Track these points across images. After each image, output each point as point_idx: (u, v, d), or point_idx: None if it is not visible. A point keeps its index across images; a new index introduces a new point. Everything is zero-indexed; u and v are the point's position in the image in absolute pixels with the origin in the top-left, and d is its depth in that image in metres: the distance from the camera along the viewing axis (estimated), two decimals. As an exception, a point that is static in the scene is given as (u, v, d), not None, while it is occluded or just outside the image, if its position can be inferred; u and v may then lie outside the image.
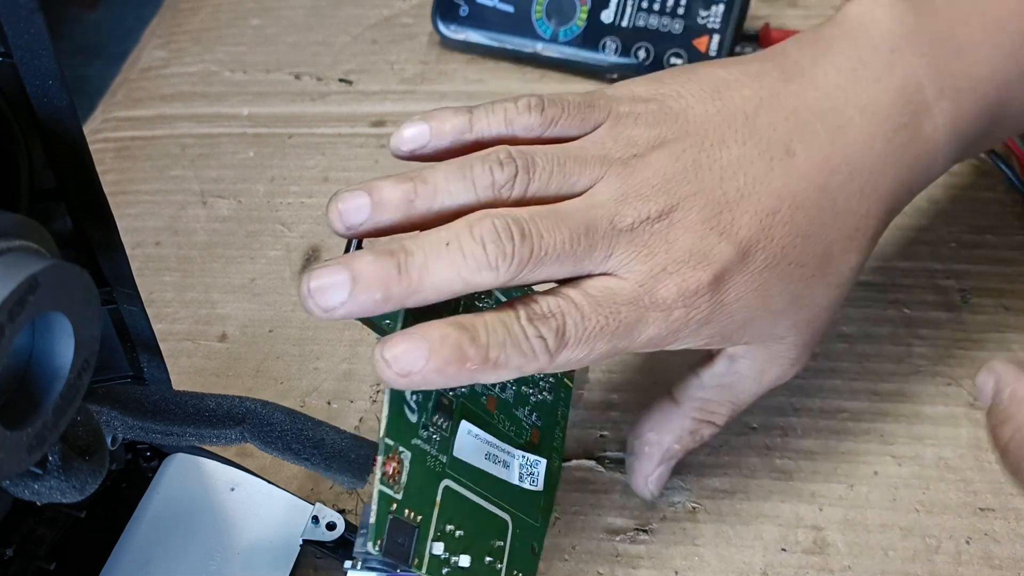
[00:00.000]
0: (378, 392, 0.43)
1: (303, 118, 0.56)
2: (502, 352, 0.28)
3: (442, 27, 0.57)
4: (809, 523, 0.36)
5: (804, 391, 0.41)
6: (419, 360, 0.27)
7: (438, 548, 0.30)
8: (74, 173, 0.27)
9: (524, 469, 0.34)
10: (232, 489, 0.38)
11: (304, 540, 0.36)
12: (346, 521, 0.37)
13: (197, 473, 0.38)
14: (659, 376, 0.42)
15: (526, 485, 0.34)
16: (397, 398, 0.29)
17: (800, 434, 0.39)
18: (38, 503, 0.25)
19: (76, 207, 0.28)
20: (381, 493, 0.28)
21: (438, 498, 0.30)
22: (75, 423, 0.26)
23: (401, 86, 0.57)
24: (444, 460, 0.31)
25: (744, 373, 0.34)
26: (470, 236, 0.28)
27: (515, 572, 0.33)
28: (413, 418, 0.30)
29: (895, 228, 0.46)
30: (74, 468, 0.25)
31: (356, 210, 0.29)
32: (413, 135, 0.31)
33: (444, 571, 0.30)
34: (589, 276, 0.29)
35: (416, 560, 0.29)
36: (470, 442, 0.32)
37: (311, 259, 0.49)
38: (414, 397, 0.30)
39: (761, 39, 0.54)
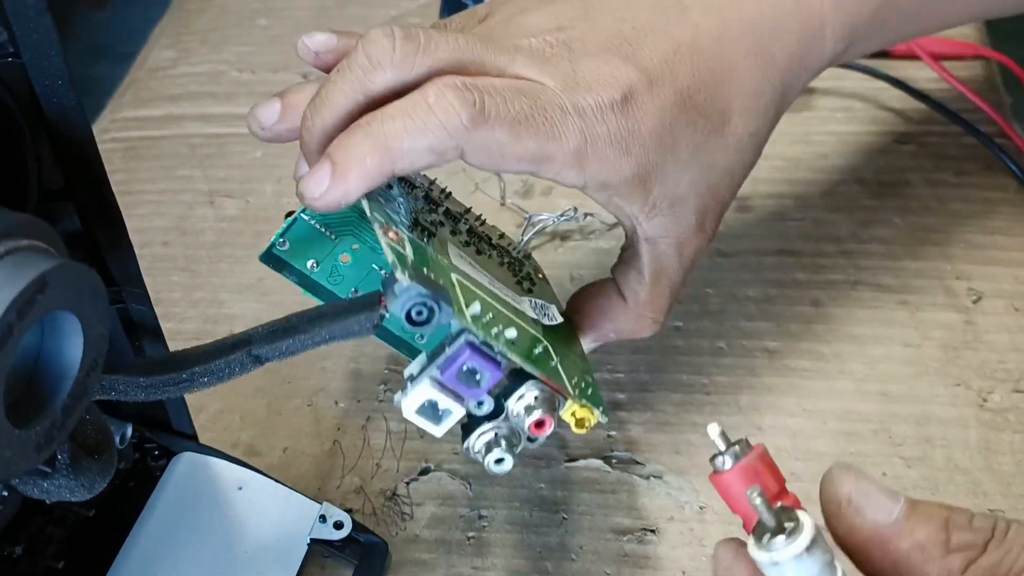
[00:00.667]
0: (386, 392, 0.43)
1: (311, 118, 0.56)
2: (404, 136, 0.28)
3: (450, 27, 0.57)
4: (819, 524, 0.36)
5: (813, 393, 0.40)
6: (324, 180, 0.28)
7: (475, 309, 0.29)
8: (82, 173, 0.27)
9: (536, 308, 0.34)
10: (240, 488, 0.38)
11: (312, 539, 0.36)
12: (353, 520, 0.37)
13: (205, 472, 0.38)
14: (665, 377, 0.42)
15: (545, 321, 0.33)
16: (371, 202, 0.29)
17: (809, 435, 0.39)
18: (47, 502, 0.25)
19: (84, 207, 0.28)
20: (391, 247, 0.28)
21: (454, 280, 0.30)
22: (84, 422, 0.26)
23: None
24: (444, 261, 0.31)
25: (666, 251, 0.34)
26: (354, 52, 0.29)
27: (574, 374, 0.31)
28: (404, 220, 0.31)
29: (905, 228, 0.46)
30: (83, 467, 0.25)
31: (268, 112, 0.31)
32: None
33: (493, 332, 0.29)
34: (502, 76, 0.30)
35: (455, 309, 0.28)
36: (468, 265, 0.32)
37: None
38: (394, 206, 0.31)
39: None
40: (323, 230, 0.34)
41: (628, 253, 0.35)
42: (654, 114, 0.31)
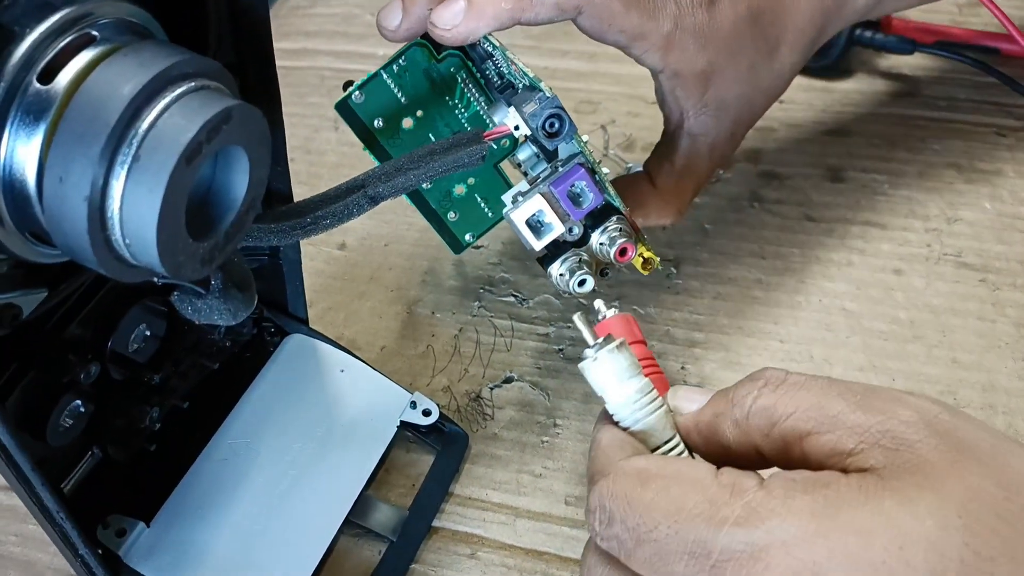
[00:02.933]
0: (479, 308, 0.46)
1: (434, 62, 0.60)
2: None
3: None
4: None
5: (885, 352, 0.42)
6: (459, 13, 0.32)
7: (584, 136, 0.34)
8: (254, 49, 0.31)
9: None
10: (342, 371, 0.42)
11: (402, 422, 0.40)
12: (440, 412, 0.40)
13: (312, 353, 0.42)
14: (742, 323, 0.44)
15: None
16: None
17: (875, 389, 0.41)
18: (197, 322, 0.29)
19: (250, 82, 0.32)
20: (524, 71, 0.33)
21: None
22: (232, 263, 0.30)
23: (527, 41, 0.60)
24: None
25: (701, 151, 0.38)
26: None
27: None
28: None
29: (994, 214, 0.47)
30: (231, 295, 0.29)
31: (392, 15, 0.35)
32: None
33: (597, 163, 0.34)
34: None
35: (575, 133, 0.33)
36: None
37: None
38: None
39: (882, 26, 0.55)
40: (396, 91, 0.37)
41: (664, 147, 0.39)
42: (731, 20, 0.35)
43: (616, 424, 0.29)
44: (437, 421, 0.40)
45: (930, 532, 0.21)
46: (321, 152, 0.55)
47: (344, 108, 0.37)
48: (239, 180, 0.27)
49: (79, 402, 0.32)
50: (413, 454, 0.41)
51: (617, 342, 0.28)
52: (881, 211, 0.48)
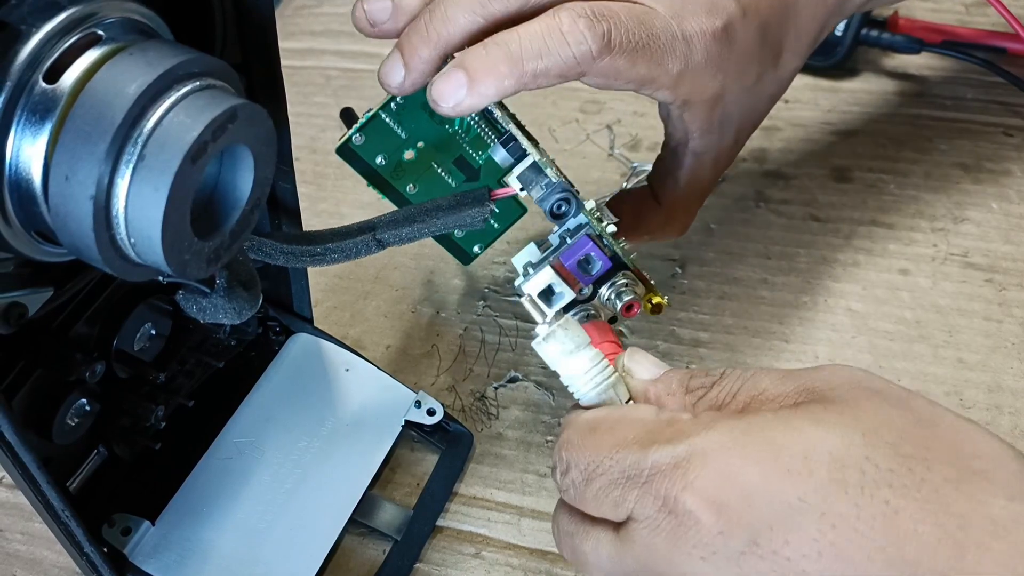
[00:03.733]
0: (484, 307, 0.46)
1: (439, 61, 0.60)
2: (539, 61, 0.30)
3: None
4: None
5: (891, 352, 0.42)
6: (461, 90, 0.30)
7: (591, 204, 0.34)
8: (260, 49, 0.31)
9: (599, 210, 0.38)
10: (347, 369, 0.42)
11: (407, 421, 0.40)
12: (445, 411, 0.40)
13: (317, 352, 0.42)
14: (747, 323, 0.44)
15: (604, 221, 0.37)
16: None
17: (881, 389, 0.41)
18: (202, 320, 0.29)
19: (256, 81, 0.32)
20: (531, 147, 0.33)
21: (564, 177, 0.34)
22: (238, 261, 0.30)
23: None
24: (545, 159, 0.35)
25: (705, 166, 0.37)
26: None
27: (644, 270, 0.36)
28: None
29: (1001, 213, 0.47)
30: (236, 294, 0.29)
31: (379, 10, 0.33)
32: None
33: (604, 224, 0.34)
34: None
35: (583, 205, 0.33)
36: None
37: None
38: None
39: (889, 26, 0.55)
40: (396, 127, 0.37)
41: (668, 162, 0.38)
42: (741, 44, 0.34)
43: (578, 406, 0.30)
44: (442, 420, 0.40)
45: (834, 445, 0.24)
46: (327, 152, 0.55)
47: (345, 151, 0.37)
48: (244, 179, 0.27)
49: (85, 401, 0.33)
50: (418, 453, 0.41)
51: (562, 319, 0.30)
52: (887, 211, 0.48)
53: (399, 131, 0.37)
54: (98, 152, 0.22)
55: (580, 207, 0.33)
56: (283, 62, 0.33)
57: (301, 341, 0.42)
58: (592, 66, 0.31)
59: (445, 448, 0.40)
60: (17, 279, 0.27)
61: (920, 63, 0.55)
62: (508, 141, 0.34)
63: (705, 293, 0.45)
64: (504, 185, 0.34)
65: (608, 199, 0.41)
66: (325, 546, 0.36)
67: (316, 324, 0.43)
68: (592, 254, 0.33)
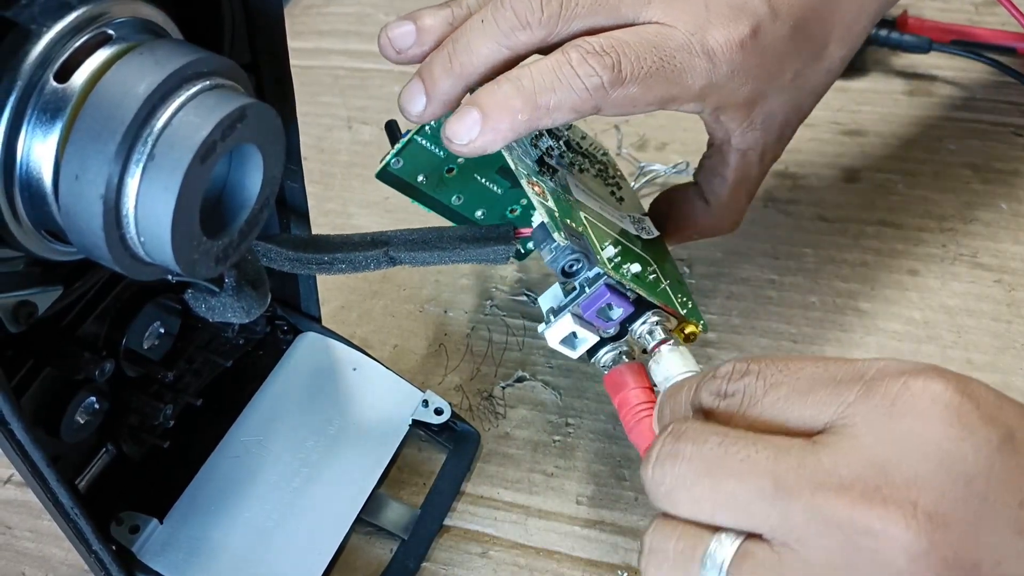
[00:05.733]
0: (491, 307, 0.46)
1: (447, 61, 0.60)
2: (552, 96, 0.30)
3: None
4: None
5: (899, 353, 0.42)
6: (475, 128, 0.30)
7: (610, 252, 0.33)
8: (269, 48, 0.31)
9: (636, 224, 0.38)
10: (354, 369, 0.42)
11: (414, 420, 0.40)
12: (452, 411, 0.40)
13: (325, 351, 0.42)
14: (755, 323, 0.44)
15: (644, 235, 0.37)
16: (512, 151, 0.33)
17: (889, 390, 0.41)
18: (210, 319, 0.29)
19: (265, 81, 0.32)
20: (541, 204, 0.32)
21: (584, 221, 0.34)
22: (246, 261, 0.30)
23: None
24: (570, 199, 0.35)
25: (752, 161, 0.37)
26: (501, 5, 0.31)
27: (678, 294, 0.36)
28: (529, 163, 0.34)
29: (1010, 214, 0.47)
30: (244, 293, 0.29)
31: (403, 36, 0.33)
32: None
33: (623, 271, 0.33)
34: (635, 24, 0.32)
35: (597, 258, 0.32)
36: (582, 194, 0.36)
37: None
38: (519, 150, 0.34)
39: (898, 25, 0.55)
40: (433, 148, 0.37)
41: (714, 160, 0.37)
42: (772, 47, 0.33)
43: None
44: (449, 420, 0.40)
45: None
46: (335, 151, 0.56)
47: (385, 175, 0.37)
48: (253, 178, 0.27)
49: (93, 399, 0.33)
50: (425, 453, 0.41)
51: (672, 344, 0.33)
52: (896, 211, 0.48)
53: (437, 151, 0.37)
54: (108, 151, 0.23)
55: (593, 263, 0.32)
56: (291, 61, 0.33)
57: (309, 340, 0.42)
58: (606, 98, 0.31)
59: (452, 447, 0.40)
60: (27, 278, 0.27)
61: (929, 63, 0.55)
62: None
63: (712, 293, 0.45)
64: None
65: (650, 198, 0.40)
66: (332, 545, 0.36)
67: (324, 323, 0.43)
68: (611, 303, 0.32)
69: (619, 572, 0.36)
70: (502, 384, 0.43)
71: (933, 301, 0.44)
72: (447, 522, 0.38)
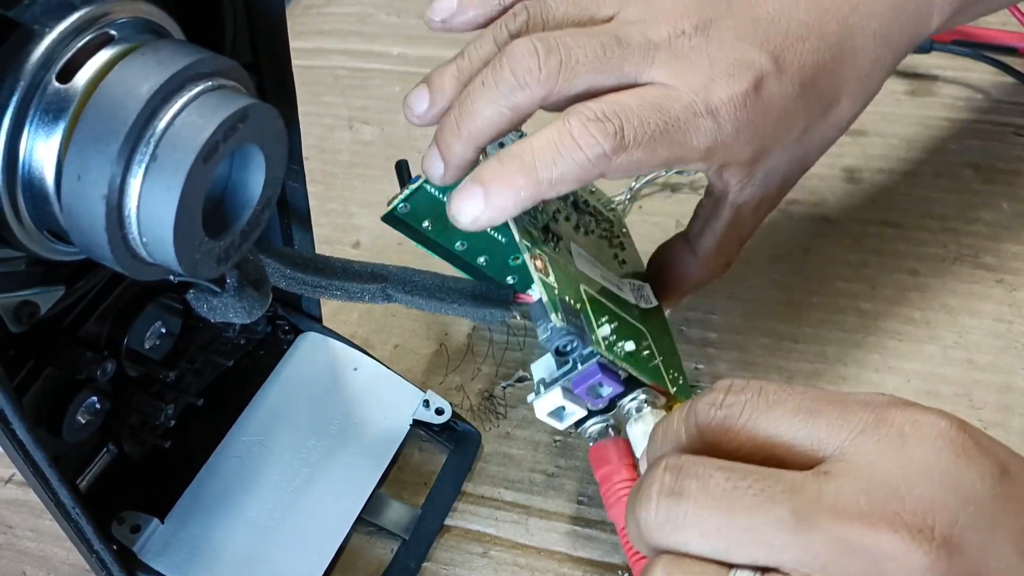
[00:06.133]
0: (492, 307, 0.46)
1: (448, 61, 0.60)
2: (553, 169, 0.30)
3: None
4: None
5: (900, 353, 0.42)
6: (478, 204, 0.30)
7: (605, 331, 0.33)
8: (271, 49, 0.31)
9: (635, 293, 0.38)
10: (355, 369, 0.42)
11: (415, 420, 0.40)
12: (453, 411, 0.40)
13: (326, 351, 0.42)
14: (756, 323, 0.44)
15: (643, 304, 0.37)
16: (518, 221, 0.33)
17: (891, 390, 0.41)
18: (212, 320, 0.29)
19: (267, 81, 0.32)
20: (541, 281, 0.32)
21: (583, 296, 0.34)
22: (248, 260, 0.30)
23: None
24: (572, 270, 0.35)
25: (746, 212, 0.36)
26: (499, 66, 0.30)
27: (671, 370, 0.36)
28: (534, 233, 0.34)
29: (1011, 213, 0.47)
30: (246, 294, 0.29)
31: (418, 101, 0.33)
32: (443, 7, 0.34)
33: (617, 350, 0.33)
34: (638, 85, 0.31)
35: (593, 338, 0.32)
36: (584, 262, 0.36)
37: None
38: (526, 217, 0.34)
39: None
40: (440, 195, 0.37)
41: (706, 210, 0.37)
42: (779, 102, 0.32)
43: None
44: (450, 420, 0.40)
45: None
46: (336, 151, 0.56)
47: (391, 219, 0.37)
48: (255, 179, 0.27)
49: (95, 399, 0.33)
50: (426, 453, 0.41)
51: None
52: (897, 211, 0.48)
53: (443, 197, 0.36)
54: (110, 152, 0.23)
55: (588, 342, 0.32)
56: (292, 62, 0.33)
57: (310, 340, 0.42)
58: (609, 165, 0.30)
59: (453, 447, 0.40)
60: (29, 278, 0.27)
61: (930, 62, 0.55)
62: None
63: (714, 293, 0.45)
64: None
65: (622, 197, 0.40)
66: (333, 545, 0.36)
67: (325, 323, 0.43)
68: (602, 382, 0.32)
69: (620, 572, 0.36)
70: (503, 384, 0.43)
71: (934, 301, 0.44)
72: (448, 522, 0.38)
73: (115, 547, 0.33)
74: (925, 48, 0.53)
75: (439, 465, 0.40)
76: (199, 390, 0.38)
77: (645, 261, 0.41)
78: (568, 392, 0.33)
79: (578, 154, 0.30)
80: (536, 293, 0.32)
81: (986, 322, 0.43)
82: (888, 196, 0.49)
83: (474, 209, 0.30)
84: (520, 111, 0.31)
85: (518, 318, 0.35)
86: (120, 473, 0.35)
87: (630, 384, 0.34)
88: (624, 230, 0.43)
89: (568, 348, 0.33)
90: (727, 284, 0.45)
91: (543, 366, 0.35)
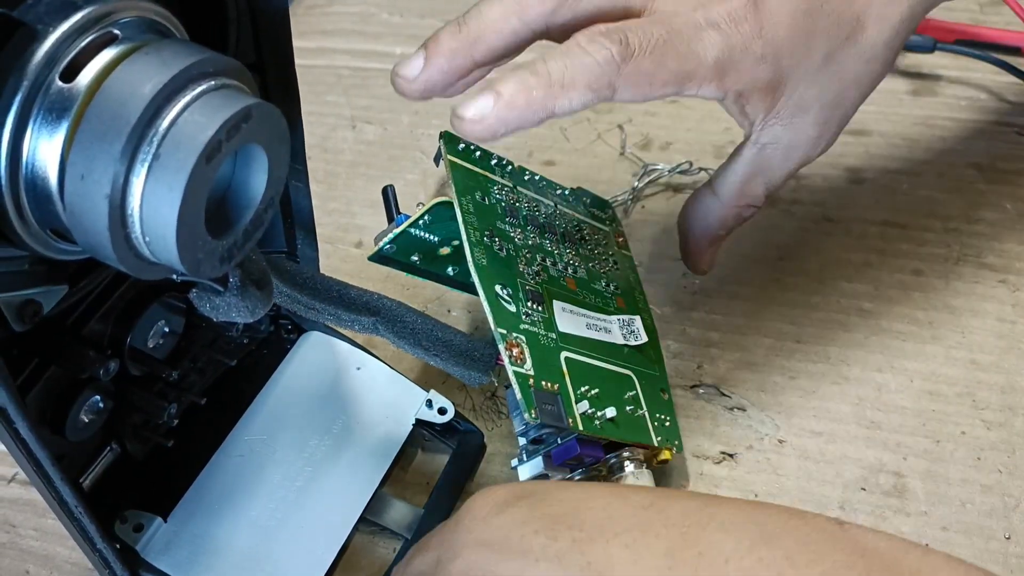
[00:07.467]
0: (495, 306, 0.46)
1: (450, 60, 0.60)
2: (565, 72, 0.30)
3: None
4: (891, 469, 0.38)
5: (903, 352, 0.42)
6: (488, 102, 0.30)
7: (583, 407, 0.34)
8: (274, 48, 0.31)
9: (624, 329, 0.38)
10: (358, 368, 0.42)
11: (417, 420, 0.40)
12: (456, 411, 0.40)
13: (329, 350, 0.42)
14: (758, 323, 0.44)
15: (632, 342, 0.38)
16: (492, 296, 0.33)
17: (893, 390, 0.41)
18: (215, 319, 0.29)
19: (270, 81, 0.32)
20: (515, 373, 0.32)
21: (564, 368, 0.34)
22: (251, 260, 0.30)
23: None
24: (554, 336, 0.35)
25: (772, 155, 0.35)
26: None
27: (656, 415, 0.37)
28: (512, 308, 0.34)
29: (1014, 214, 0.47)
30: (249, 293, 0.29)
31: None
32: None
33: (596, 424, 0.33)
34: (643, 14, 0.32)
35: (570, 421, 0.33)
36: (568, 318, 0.36)
37: (444, 185, 0.53)
38: (506, 291, 0.34)
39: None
40: (427, 236, 0.37)
41: (732, 155, 0.37)
42: (786, 18, 0.32)
43: None
44: (452, 419, 0.40)
45: None
46: (338, 151, 0.56)
47: (379, 258, 0.37)
48: (258, 178, 0.27)
49: (98, 398, 0.33)
50: (428, 452, 0.41)
51: None
52: (900, 211, 0.48)
53: (430, 237, 0.37)
54: (114, 151, 0.23)
55: (564, 426, 0.33)
56: (295, 61, 0.33)
57: (313, 339, 0.42)
58: (618, 73, 0.31)
59: (456, 447, 0.40)
60: (32, 277, 0.27)
61: (933, 62, 0.55)
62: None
63: (716, 293, 0.45)
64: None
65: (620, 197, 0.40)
66: (335, 544, 0.36)
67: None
68: (583, 456, 0.33)
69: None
70: (506, 384, 0.43)
71: (937, 301, 0.44)
72: (450, 521, 0.38)
73: (118, 546, 0.33)
74: (928, 48, 0.53)
75: (441, 465, 0.40)
76: (202, 389, 0.38)
77: (645, 264, 0.41)
78: (549, 459, 0.34)
79: (587, 59, 0.30)
80: (511, 389, 0.33)
81: (989, 322, 0.43)
82: (891, 196, 0.49)
83: (483, 109, 0.30)
84: (527, 20, 0.31)
85: (495, 383, 0.36)
86: (123, 472, 0.35)
87: (611, 447, 0.35)
88: (620, 239, 0.43)
89: (543, 437, 0.34)
90: (729, 284, 0.45)
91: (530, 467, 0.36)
